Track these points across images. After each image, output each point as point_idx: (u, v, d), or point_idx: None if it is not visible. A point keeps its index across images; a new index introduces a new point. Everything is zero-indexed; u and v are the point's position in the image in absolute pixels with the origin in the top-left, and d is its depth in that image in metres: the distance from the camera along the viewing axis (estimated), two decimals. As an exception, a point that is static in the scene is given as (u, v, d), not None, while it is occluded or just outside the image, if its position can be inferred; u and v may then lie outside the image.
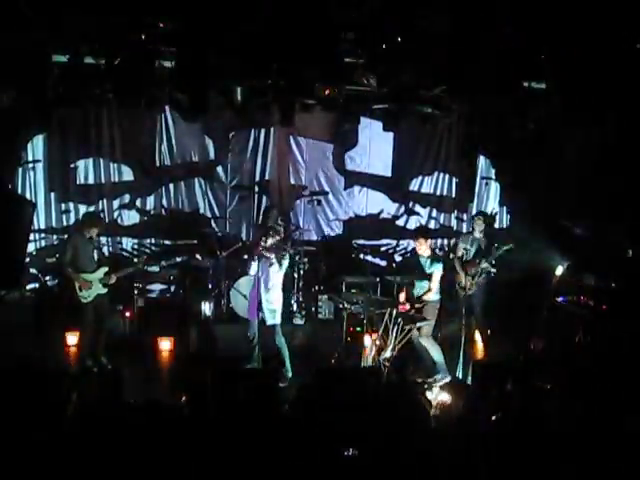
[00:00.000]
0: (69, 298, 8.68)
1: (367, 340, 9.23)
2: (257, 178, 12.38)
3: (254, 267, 8.81)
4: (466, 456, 4.86)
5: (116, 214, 11.89)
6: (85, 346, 8.84)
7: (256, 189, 12.42)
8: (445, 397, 7.49)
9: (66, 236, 11.07)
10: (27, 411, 5.23)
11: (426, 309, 8.96)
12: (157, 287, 11.62)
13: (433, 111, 10.30)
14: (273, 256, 8.76)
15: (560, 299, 9.64)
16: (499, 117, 10.56)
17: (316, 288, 11.63)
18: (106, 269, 8.77)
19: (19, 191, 11.03)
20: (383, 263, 12.94)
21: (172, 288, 11.58)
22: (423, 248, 9.03)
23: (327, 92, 8.49)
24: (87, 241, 8.70)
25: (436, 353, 8.89)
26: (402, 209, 13.15)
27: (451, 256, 9.84)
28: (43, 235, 11.52)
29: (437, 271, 8.91)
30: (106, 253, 11.19)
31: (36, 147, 11.26)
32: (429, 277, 8.95)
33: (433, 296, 8.95)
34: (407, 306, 9.06)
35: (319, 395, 6.40)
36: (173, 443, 4.79)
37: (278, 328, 8.92)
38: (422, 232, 9.44)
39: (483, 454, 4.84)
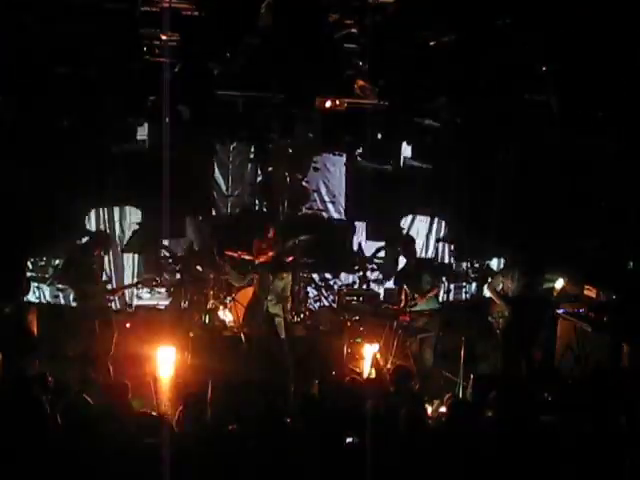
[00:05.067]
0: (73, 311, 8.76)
1: (367, 351, 9.24)
2: (257, 190, 12.39)
3: (255, 280, 8.89)
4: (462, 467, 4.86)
5: (117, 226, 11.88)
6: (85, 358, 8.86)
7: (256, 201, 12.43)
8: (444, 410, 7.48)
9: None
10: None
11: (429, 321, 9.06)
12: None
13: (433, 123, 10.33)
14: (270, 273, 8.87)
15: (561, 311, 9.63)
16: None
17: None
18: (108, 286, 8.85)
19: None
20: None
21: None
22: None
23: (328, 105, 8.53)
24: (91, 257, 8.76)
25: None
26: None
27: (489, 288, 9.42)
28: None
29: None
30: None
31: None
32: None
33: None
34: (407, 317, 9.09)
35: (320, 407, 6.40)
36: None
37: (284, 340, 9.01)
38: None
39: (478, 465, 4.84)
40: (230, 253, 10.82)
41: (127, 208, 11.99)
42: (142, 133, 10.68)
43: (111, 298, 9.01)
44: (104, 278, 9.33)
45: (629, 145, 8.91)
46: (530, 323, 9.14)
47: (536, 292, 9.11)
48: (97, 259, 8.99)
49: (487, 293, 9.36)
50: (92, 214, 11.74)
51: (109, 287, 9.09)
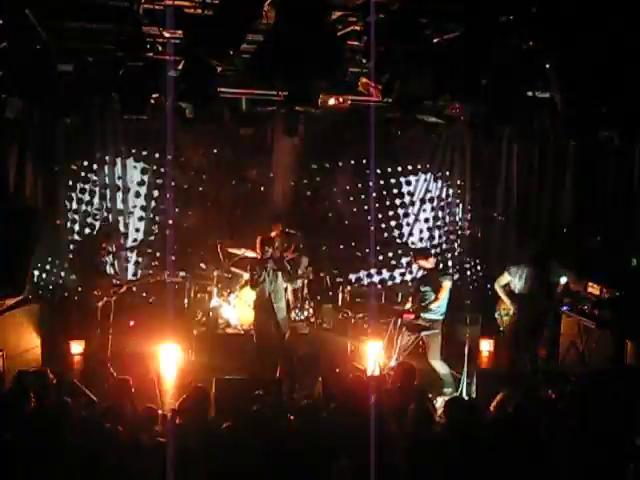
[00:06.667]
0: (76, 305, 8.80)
1: (371, 349, 9.25)
2: (262, 187, 12.37)
3: (262, 277, 8.91)
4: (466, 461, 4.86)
5: (121, 223, 11.88)
6: (92, 353, 8.91)
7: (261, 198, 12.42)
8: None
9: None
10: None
11: (432, 326, 9.01)
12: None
13: (437, 121, 10.33)
14: (279, 269, 8.90)
15: (565, 308, 9.64)
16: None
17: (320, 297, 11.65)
18: (116, 280, 8.89)
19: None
20: (386, 273, 12.94)
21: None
22: (428, 265, 9.11)
23: (332, 102, 8.52)
24: (100, 251, 8.81)
25: (442, 370, 8.92)
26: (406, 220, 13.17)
27: (496, 286, 9.40)
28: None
29: (447, 283, 8.97)
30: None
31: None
32: (438, 288, 8.99)
33: (436, 308, 8.99)
34: (411, 315, 9.07)
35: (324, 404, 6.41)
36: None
37: (286, 337, 9.06)
38: (418, 253, 9.55)
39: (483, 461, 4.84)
40: (234, 250, 10.83)
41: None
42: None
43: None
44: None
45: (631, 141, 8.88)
46: (535, 320, 9.16)
47: (543, 290, 9.16)
48: (103, 253, 9.06)
49: (496, 288, 9.34)
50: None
51: (116, 280, 9.09)
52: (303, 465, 4.93)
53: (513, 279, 9.20)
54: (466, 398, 8.24)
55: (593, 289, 9.58)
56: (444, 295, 8.89)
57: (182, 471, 4.66)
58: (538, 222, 12.26)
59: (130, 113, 8.17)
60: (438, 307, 8.92)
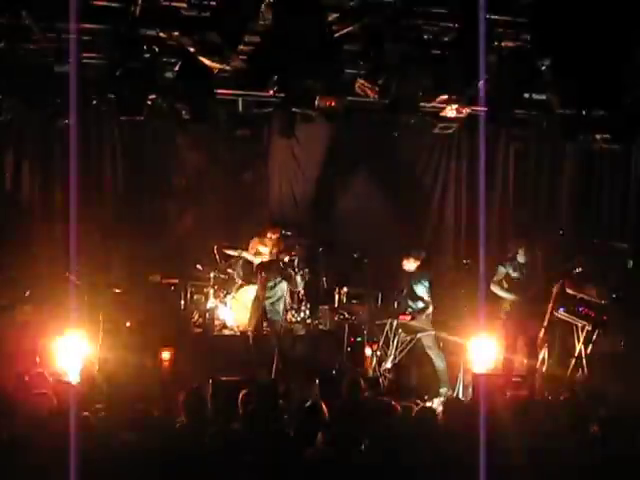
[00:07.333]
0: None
1: (368, 351, 9.25)
2: (258, 189, 12.36)
3: (258, 279, 8.93)
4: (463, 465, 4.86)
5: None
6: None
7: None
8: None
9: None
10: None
11: (423, 321, 9.02)
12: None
13: (433, 122, 10.32)
14: (276, 270, 8.90)
15: (561, 310, 9.63)
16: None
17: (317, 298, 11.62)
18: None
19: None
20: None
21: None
22: (408, 266, 9.16)
23: (328, 103, 8.51)
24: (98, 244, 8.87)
25: (440, 363, 8.93)
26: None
27: (492, 286, 9.45)
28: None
29: (419, 288, 9.03)
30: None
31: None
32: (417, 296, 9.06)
33: (424, 307, 9.07)
34: (407, 316, 9.09)
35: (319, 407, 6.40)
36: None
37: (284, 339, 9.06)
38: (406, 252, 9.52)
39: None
40: (230, 252, 10.82)
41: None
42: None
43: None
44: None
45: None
46: (534, 301, 9.25)
47: (537, 273, 9.43)
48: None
49: (493, 289, 9.37)
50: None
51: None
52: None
53: (508, 270, 9.39)
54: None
55: (589, 291, 9.59)
56: (425, 304, 9.01)
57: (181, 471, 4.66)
58: (534, 224, 12.27)
59: (127, 114, 8.16)
60: (424, 306, 9.04)
